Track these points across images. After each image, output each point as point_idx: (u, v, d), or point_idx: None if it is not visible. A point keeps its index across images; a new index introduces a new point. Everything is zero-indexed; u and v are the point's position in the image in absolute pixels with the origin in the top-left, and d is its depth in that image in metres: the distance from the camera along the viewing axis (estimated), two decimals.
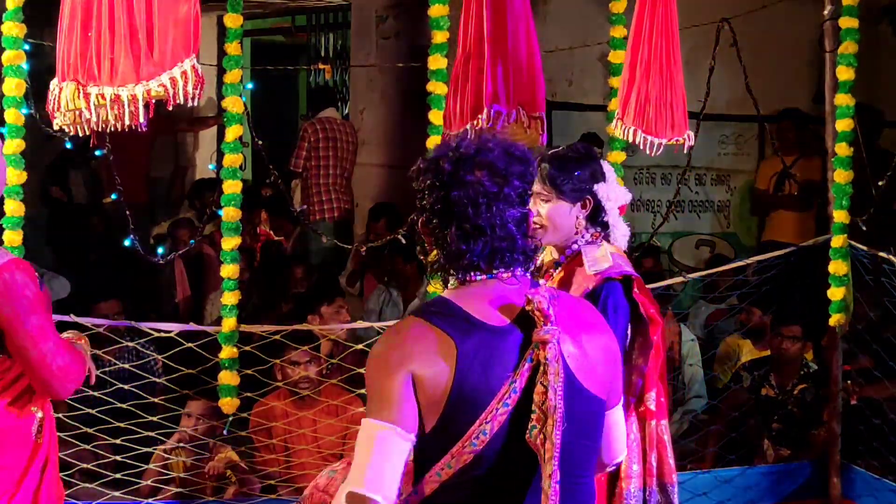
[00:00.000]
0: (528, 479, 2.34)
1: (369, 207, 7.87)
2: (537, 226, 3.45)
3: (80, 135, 3.38)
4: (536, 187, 3.44)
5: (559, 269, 3.59)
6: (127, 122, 3.12)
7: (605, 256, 3.50)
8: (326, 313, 6.01)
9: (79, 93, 3.09)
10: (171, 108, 3.30)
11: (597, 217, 3.58)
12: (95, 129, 3.34)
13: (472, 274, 2.41)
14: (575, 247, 3.55)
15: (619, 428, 2.63)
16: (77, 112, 3.20)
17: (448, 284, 2.46)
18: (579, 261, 3.52)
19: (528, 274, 2.46)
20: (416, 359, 2.32)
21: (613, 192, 3.59)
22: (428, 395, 2.32)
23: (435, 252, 2.44)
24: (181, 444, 5.30)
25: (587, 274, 3.48)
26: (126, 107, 3.07)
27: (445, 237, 2.40)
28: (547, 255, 3.70)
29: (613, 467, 2.73)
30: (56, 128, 3.39)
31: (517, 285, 2.42)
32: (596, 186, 3.55)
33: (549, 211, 3.51)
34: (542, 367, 2.30)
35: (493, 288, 2.41)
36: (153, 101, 3.12)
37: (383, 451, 2.30)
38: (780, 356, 6.10)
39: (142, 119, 3.10)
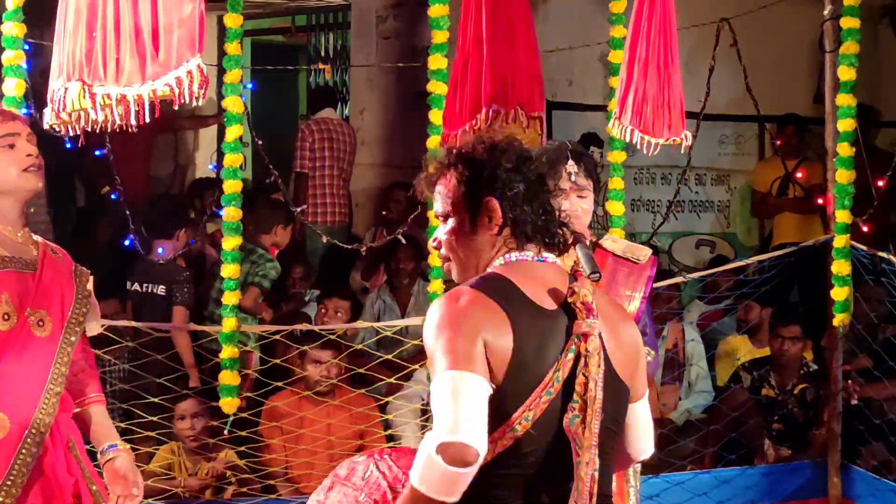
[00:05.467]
0: (563, 466, 2.34)
1: (388, 185, 7.80)
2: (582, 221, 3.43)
3: (72, 133, 3.37)
4: (581, 182, 3.45)
5: None
6: (132, 122, 3.10)
7: (630, 243, 3.60)
8: (330, 305, 6.03)
9: (84, 93, 3.08)
10: (175, 108, 3.29)
11: None
12: (89, 128, 3.33)
13: (535, 250, 2.47)
14: (593, 238, 3.54)
15: (648, 421, 2.62)
16: (78, 112, 3.19)
17: (494, 263, 2.48)
18: (599, 252, 3.52)
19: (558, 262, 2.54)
20: (486, 326, 2.31)
21: None
22: (493, 364, 2.30)
23: (500, 224, 2.48)
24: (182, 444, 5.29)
25: (640, 263, 3.52)
26: (131, 107, 3.06)
27: (522, 211, 2.47)
28: None
29: (639, 463, 2.70)
30: (46, 126, 3.38)
31: (558, 271, 2.49)
32: None
33: (590, 205, 3.49)
34: (583, 359, 2.34)
35: (541, 270, 2.46)
36: (158, 100, 3.11)
37: (471, 397, 2.22)
38: (781, 356, 6.11)
39: (147, 118, 3.09)
